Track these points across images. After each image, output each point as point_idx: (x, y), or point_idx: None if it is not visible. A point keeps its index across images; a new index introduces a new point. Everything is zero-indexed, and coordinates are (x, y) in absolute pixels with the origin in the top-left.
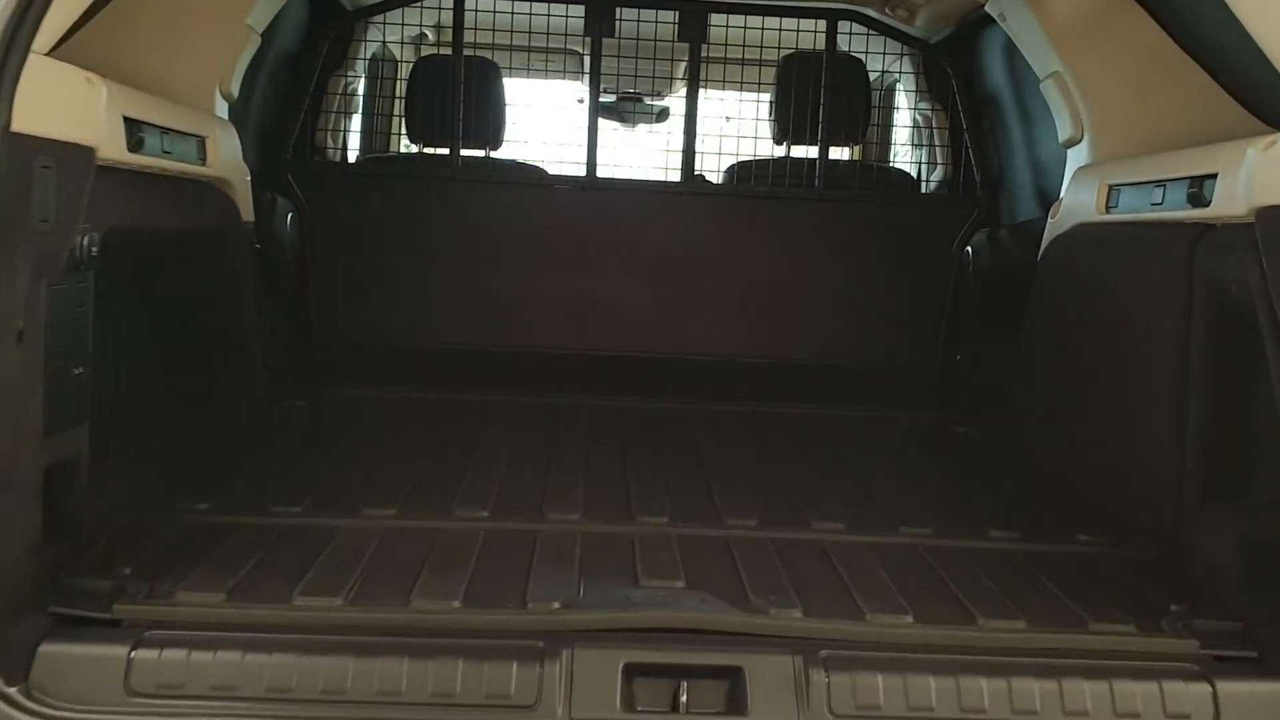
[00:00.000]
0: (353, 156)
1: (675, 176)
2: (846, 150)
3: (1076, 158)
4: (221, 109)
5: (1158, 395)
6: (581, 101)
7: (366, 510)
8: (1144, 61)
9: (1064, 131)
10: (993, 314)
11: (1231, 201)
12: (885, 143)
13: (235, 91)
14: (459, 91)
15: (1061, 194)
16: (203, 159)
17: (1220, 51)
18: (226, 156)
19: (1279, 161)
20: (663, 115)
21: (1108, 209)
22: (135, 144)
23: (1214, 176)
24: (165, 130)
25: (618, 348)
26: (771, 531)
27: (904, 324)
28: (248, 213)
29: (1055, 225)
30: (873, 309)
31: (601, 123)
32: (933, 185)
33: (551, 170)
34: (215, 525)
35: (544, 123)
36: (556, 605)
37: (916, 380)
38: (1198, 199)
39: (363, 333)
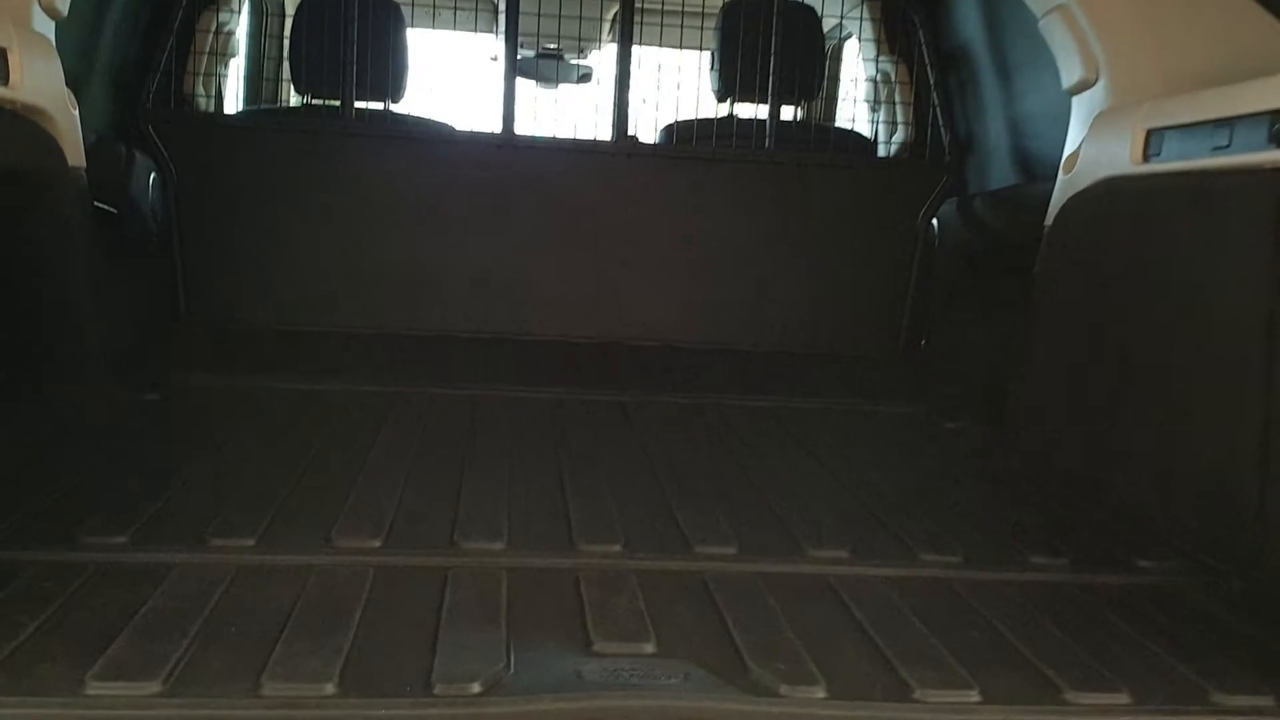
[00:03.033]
0: (236, 109)
1: (605, 137)
2: (795, 111)
3: (1089, 104)
4: (43, 24)
5: (1234, 387)
6: (495, 59)
7: (215, 540)
8: None
9: (1071, 75)
10: (966, 293)
11: None
12: (836, 101)
13: (63, 8)
14: (351, 33)
15: (1074, 147)
16: (3, 78)
17: None
18: (40, 81)
19: None
20: (585, 77)
21: (1147, 158)
22: None
23: None
24: None
25: (542, 331)
26: (758, 562)
27: (865, 304)
28: (76, 157)
29: (1070, 183)
30: (829, 287)
31: (519, 84)
32: (892, 150)
33: (462, 127)
34: None
35: (454, 80)
36: (476, 688)
37: (882, 367)
38: None
39: (235, 312)
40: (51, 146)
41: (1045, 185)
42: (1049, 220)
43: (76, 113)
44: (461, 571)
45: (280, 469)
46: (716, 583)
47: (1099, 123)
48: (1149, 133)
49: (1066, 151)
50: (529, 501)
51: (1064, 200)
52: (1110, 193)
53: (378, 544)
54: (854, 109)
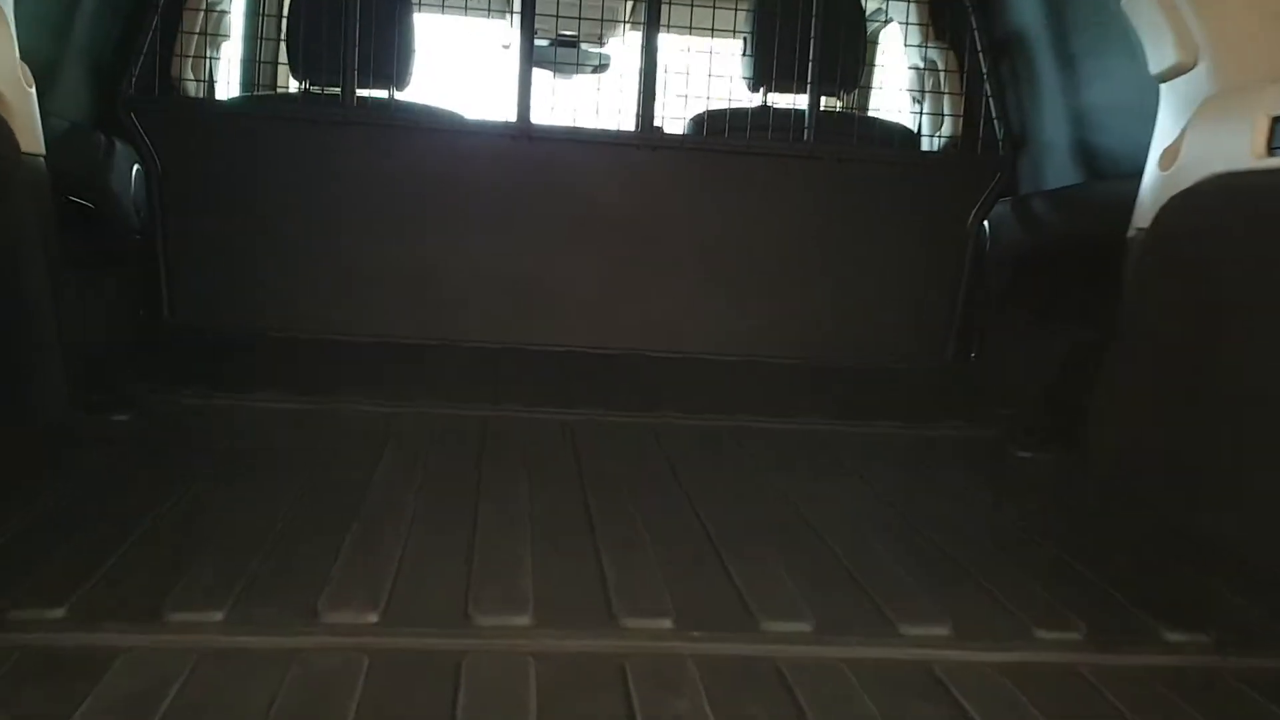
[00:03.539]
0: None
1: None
2: (835, 101)
3: (1186, 91)
4: None
5: None
6: (507, 47)
7: (173, 615)
8: None
9: (1162, 59)
10: (1021, 303)
11: None
12: (871, 91)
13: None
14: (353, 14)
15: (1170, 138)
16: None
17: None
18: None
19: None
20: (602, 66)
21: (1271, 150)
22: None
23: None
24: None
25: (558, 340)
26: (842, 643)
27: (910, 312)
28: (32, 143)
29: (1170, 180)
30: (872, 293)
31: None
32: (936, 144)
33: (474, 117)
34: None
35: (464, 68)
36: None
37: (929, 383)
38: None
39: (223, 316)
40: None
41: (1116, 184)
42: (1140, 223)
43: (33, 91)
44: (479, 658)
45: (260, 515)
46: (794, 672)
47: (1207, 111)
48: (1274, 121)
49: (1159, 144)
50: (555, 557)
51: (1163, 200)
52: (1224, 191)
53: (375, 619)
54: (893, 100)
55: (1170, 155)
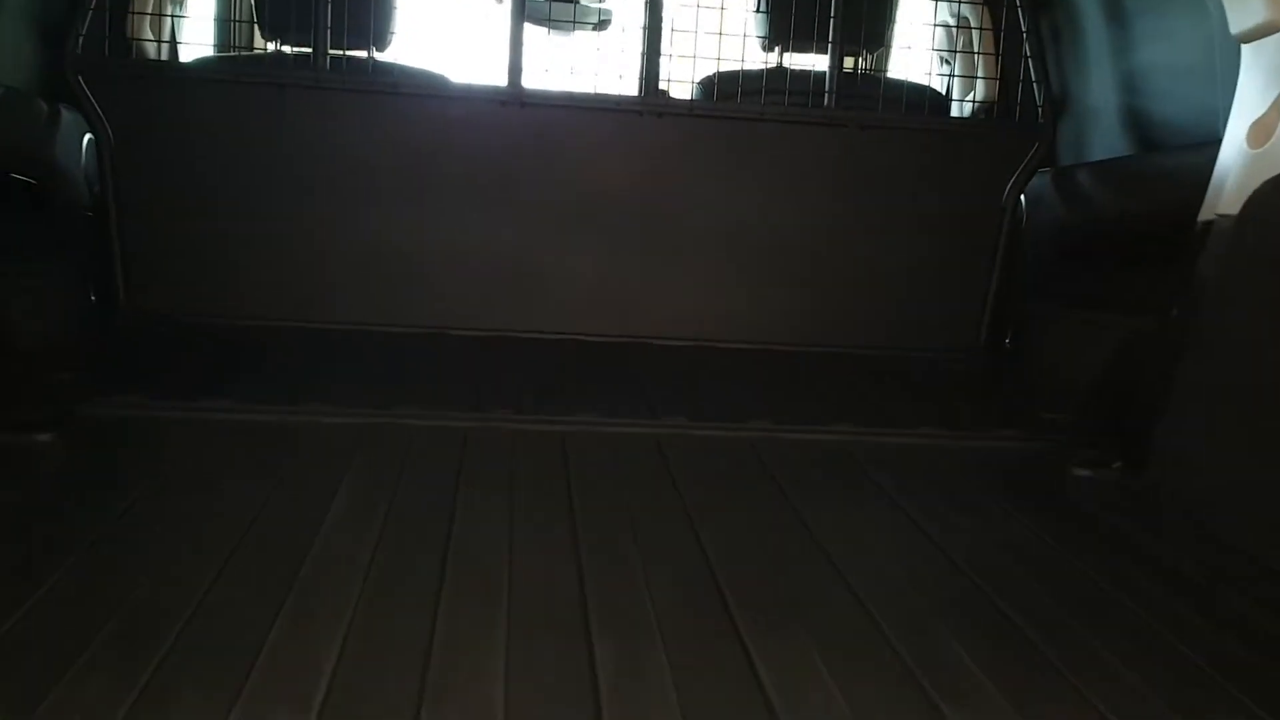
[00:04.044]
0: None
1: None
2: (856, 61)
3: (1275, 55)
4: None
5: None
6: (500, 1)
7: None
8: None
9: (1246, 16)
10: (1063, 287)
11: None
12: (891, 51)
13: None
14: None
15: (1260, 110)
16: None
17: None
18: None
19: None
20: (603, 22)
21: None
22: None
23: None
24: None
25: (553, 327)
26: None
27: (939, 295)
28: None
29: (1263, 161)
30: (897, 273)
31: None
32: (966, 110)
33: (461, 81)
34: None
35: (452, 27)
36: None
37: (963, 380)
38: None
39: (184, 303)
40: None
41: (1176, 156)
42: (1221, 208)
43: None
44: None
45: (178, 575)
46: None
47: None
48: None
49: (1243, 116)
50: (535, 637)
51: (1253, 184)
52: None
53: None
54: (914, 60)
55: (1262, 131)
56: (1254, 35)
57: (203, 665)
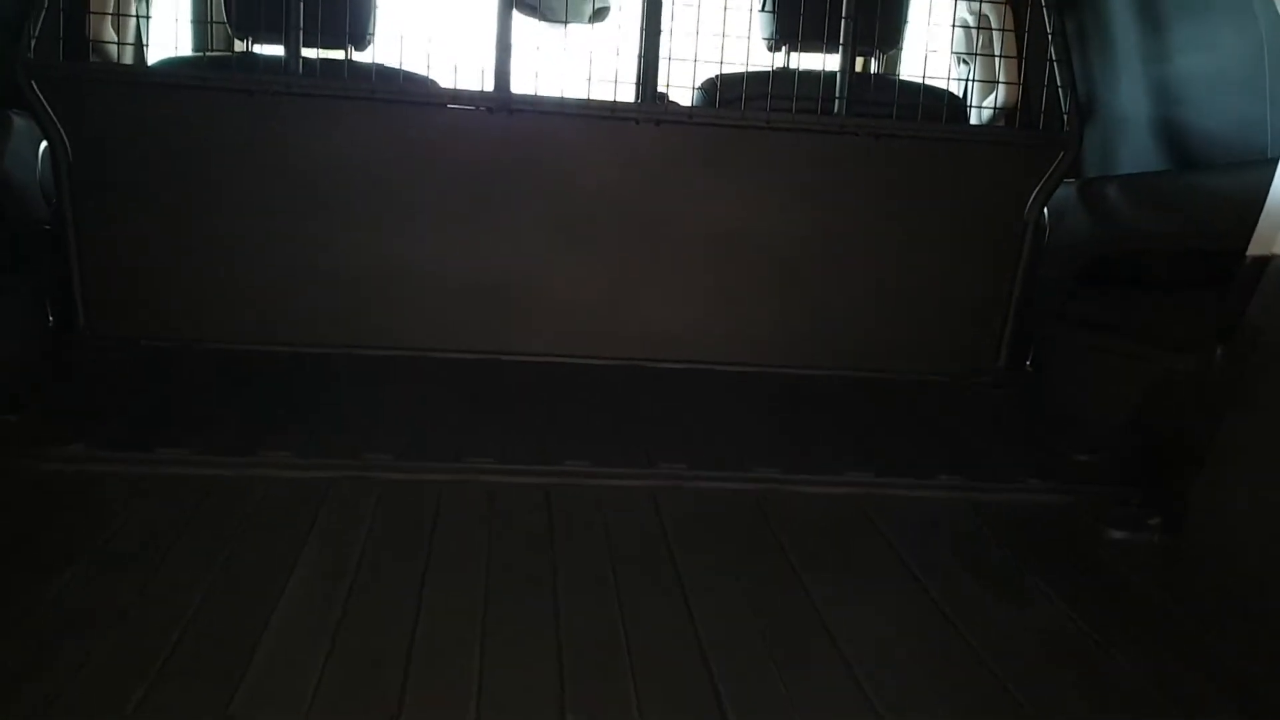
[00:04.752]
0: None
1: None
2: (868, 64)
3: None
4: None
5: None
6: None
7: None
8: None
9: None
10: (1089, 309)
11: None
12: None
13: None
14: None
15: None
16: None
17: None
18: None
19: None
20: (600, 13)
21: None
22: None
23: None
24: None
25: (542, 350)
26: None
27: (957, 314)
28: None
29: None
30: (912, 291)
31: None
32: (984, 116)
33: (445, 85)
34: None
35: (437, 23)
36: None
37: (986, 406)
38: None
39: (147, 328)
40: None
41: (1216, 176)
42: (1277, 245)
43: None
44: None
45: (107, 676)
46: None
47: None
48: None
49: None
50: None
51: None
52: None
53: None
54: (928, 63)
55: None
56: None
57: None
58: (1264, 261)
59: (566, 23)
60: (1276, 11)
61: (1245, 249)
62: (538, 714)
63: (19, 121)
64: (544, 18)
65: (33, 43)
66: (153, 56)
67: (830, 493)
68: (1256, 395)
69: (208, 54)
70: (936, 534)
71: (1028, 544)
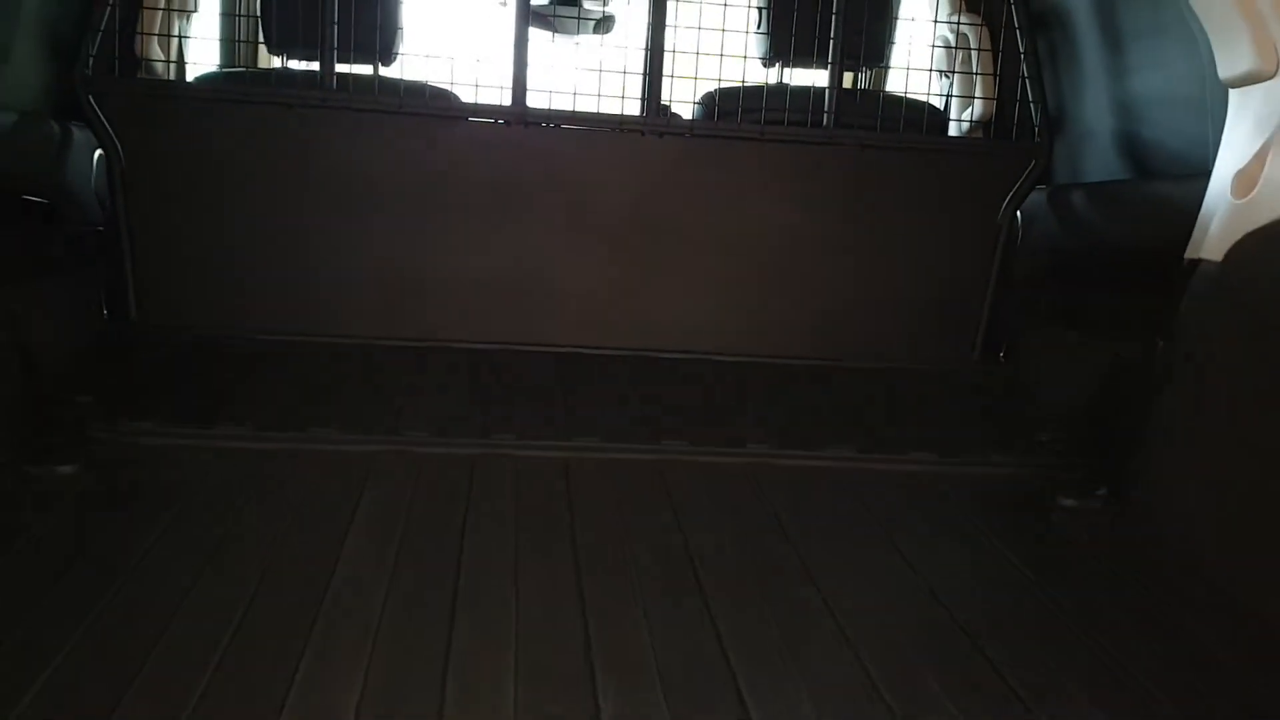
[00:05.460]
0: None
1: (632, 110)
2: (855, 79)
3: (1261, 103)
4: None
5: None
6: (504, 3)
7: None
8: None
9: (1235, 63)
10: (1054, 305)
11: None
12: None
13: None
14: None
15: (1242, 160)
16: None
17: None
18: None
19: None
20: (605, 24)
21: None
22: None
23: None
24: None
25: (560, 341)
26: None
27: (935, 310)
28: None
29: (1246, 213)
30: (894, 289)
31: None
32: (963, 128)
33: (467, 98)
34: None
35: (458, 37)
36: None
37: (959, 391)
38: None
39: (195, 320)
40: None
41: (1167, 185)
42: (1204, 252)
43: None
44: None
45: (208, 617)
46: None
47: None
48: None
49: (1229, 161)
50: (540, 689)
51: (1236, 235)
52: None
53: None
54: (910, 79)
55: (1246, 182)
56: (1240, 82)
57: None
58: (1195, 265)
59: (578, 34)
60: (1213, 47)
61: (1184, 253)
62: (568, 665)
63: (77, 133)
64: (556, 31)
65: (90, 61)
66: (190, 73)
67: (816, 465)
68: (1185, 379)
69: (250, 70)
70: (910, 502)
71: (990, 510)
